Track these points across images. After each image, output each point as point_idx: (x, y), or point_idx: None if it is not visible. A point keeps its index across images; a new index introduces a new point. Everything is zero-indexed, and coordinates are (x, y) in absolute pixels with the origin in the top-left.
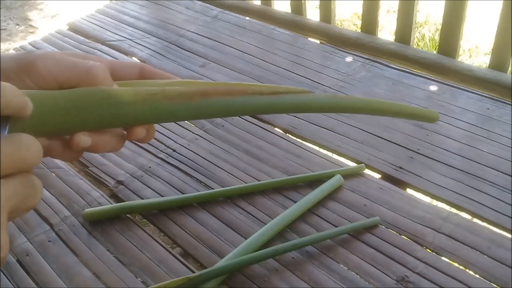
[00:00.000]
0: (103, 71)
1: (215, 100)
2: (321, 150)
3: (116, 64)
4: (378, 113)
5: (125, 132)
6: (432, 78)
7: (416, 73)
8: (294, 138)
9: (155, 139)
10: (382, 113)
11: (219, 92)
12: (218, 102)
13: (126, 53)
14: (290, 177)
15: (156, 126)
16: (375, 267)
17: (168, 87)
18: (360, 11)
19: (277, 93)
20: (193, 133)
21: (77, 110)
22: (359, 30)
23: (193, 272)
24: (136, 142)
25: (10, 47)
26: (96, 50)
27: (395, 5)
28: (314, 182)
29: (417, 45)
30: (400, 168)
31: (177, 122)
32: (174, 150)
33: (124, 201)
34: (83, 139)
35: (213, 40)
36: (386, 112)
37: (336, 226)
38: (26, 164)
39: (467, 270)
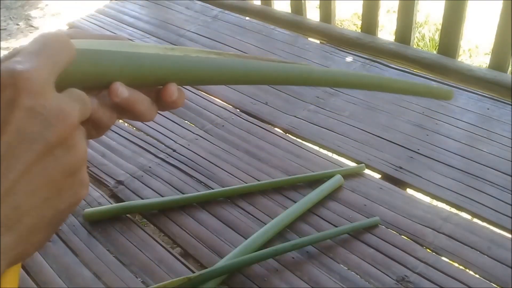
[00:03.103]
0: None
1: (231, 59)
2: (321, 150)
3: None
4: (386, 90)
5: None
6: (432, 78)
7: (416, 73)
8: (294, 138)
9: (155, 139)
10: (390, 90)
11: (233, 55)
12: (234, 61)
13: None
14: (290, 177)
15: (156, 126)
16: (375, 267)
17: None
18: (360, 11)
19: (286, 63)
20: (193, 133)
21: (119, 58)
22: (359, 30)
23: (193, 272)
24: (137, 143)
25: (10, 47)
26: None
27: (395, 5)
28: (314, 182)
29: (417, 45)
30: (400, 168)
31: (177, 122)
32: (174, 150)
33: (124, 201)
34: (121, 88)
35: (213, 40)
36: (393, 89)
37: (336, 226)
38: None
39: (467, 270)
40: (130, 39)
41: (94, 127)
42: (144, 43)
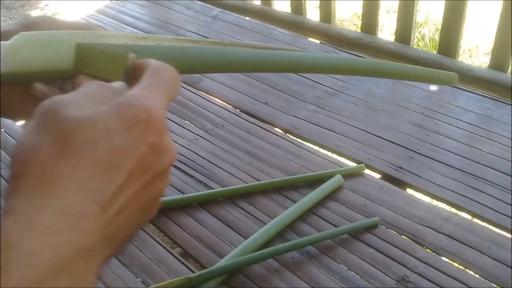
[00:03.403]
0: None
1: (210, 47)
2: (321, 150)
3: None
4: (383, 75)
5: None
6: None
7: None
8: (294, 138)
9: None
10: (387, 76)
11: (211, 41)
12: (211, 49)
13: None
14: (290, 177)
15: None
16: (375, 267)
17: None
18: (360, 11)
19: (270, 48)
20: (193, 133)
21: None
22: (359, 30)
23: (193, 272)
24: None
25: None
26: None
27: (395, 5)
28: (314, 182)
29: (417, 45)
30: (400, 168)
31: (177, 122)
32: None
33: None
34: (84, 82)
35: None
36: (393, 74)
37: (336, 226)
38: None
39: (467, 270)
40: None
41: None
42: (115, 31)
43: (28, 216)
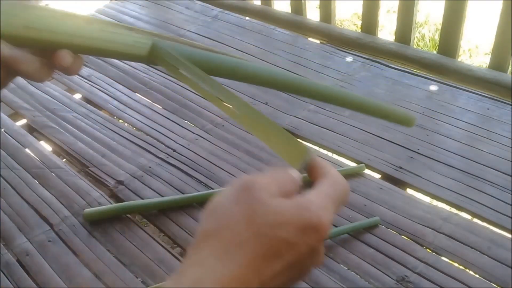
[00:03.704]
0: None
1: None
2: (321, 150)
3: None
4: (333, 102)
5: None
6: (432, 78)
7: (416, 73)
8: None
9: (155, 139)
10: (340, 104)
11: (149, 33)
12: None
13: None
14: None
15: (156, 126)
16: (375, 267)
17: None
18: (360, 11)
19: (212, 51)
20: (193, 133)
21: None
22: (359, 30)
23: None
24: (137, 143)
25: None
26: None
27: (395, 5)
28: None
29: (417, 45)
30: (400, 168)
31: (177, 122)
32: (174, 150)
33: (124, 201)
34: (1, 46)
35: (213, 40)
36: (344, 103)
37: (336, 226)
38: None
39: (467, 270)
40: None
41: None
42: (49, 7)
43: (215, 272)
